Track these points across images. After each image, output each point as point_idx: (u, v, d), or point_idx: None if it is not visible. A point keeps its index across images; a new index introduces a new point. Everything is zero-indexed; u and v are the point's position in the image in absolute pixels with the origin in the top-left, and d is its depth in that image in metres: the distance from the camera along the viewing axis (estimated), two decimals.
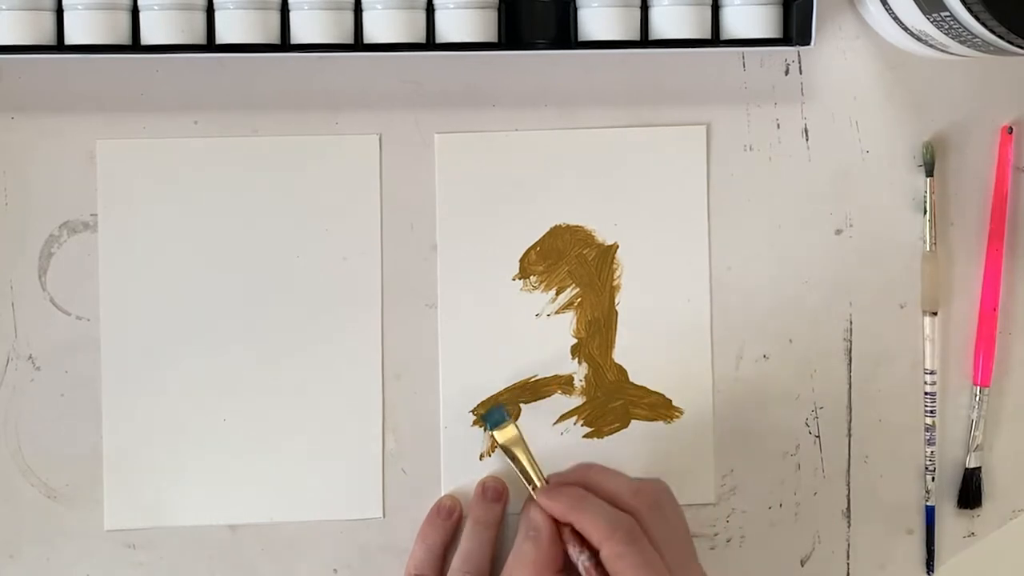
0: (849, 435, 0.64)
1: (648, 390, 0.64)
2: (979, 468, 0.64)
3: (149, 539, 0.62)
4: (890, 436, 0.64)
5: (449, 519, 0.62)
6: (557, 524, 0.57)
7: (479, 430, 0.63)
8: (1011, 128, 0.64)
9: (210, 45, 0.59)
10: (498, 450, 0.63)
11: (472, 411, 0.63)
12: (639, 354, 0.63)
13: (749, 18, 0.60)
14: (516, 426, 0.60)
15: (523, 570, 0.56)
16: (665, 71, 0.63)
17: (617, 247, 0.63)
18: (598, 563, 0.55)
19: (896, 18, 0.59)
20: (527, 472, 0.59)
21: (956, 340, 0.64)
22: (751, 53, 0.63)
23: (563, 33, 0.60)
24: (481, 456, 0.63)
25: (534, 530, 0.57)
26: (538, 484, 0.59)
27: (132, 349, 0.62)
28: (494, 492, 0.62)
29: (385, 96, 0.62)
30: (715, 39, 0.60)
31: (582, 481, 0.58)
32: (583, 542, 0.55)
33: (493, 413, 0.62)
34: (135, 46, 0.58)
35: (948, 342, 0.64)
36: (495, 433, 0.60)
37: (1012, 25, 0.52)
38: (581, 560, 0.55)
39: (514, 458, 0.60)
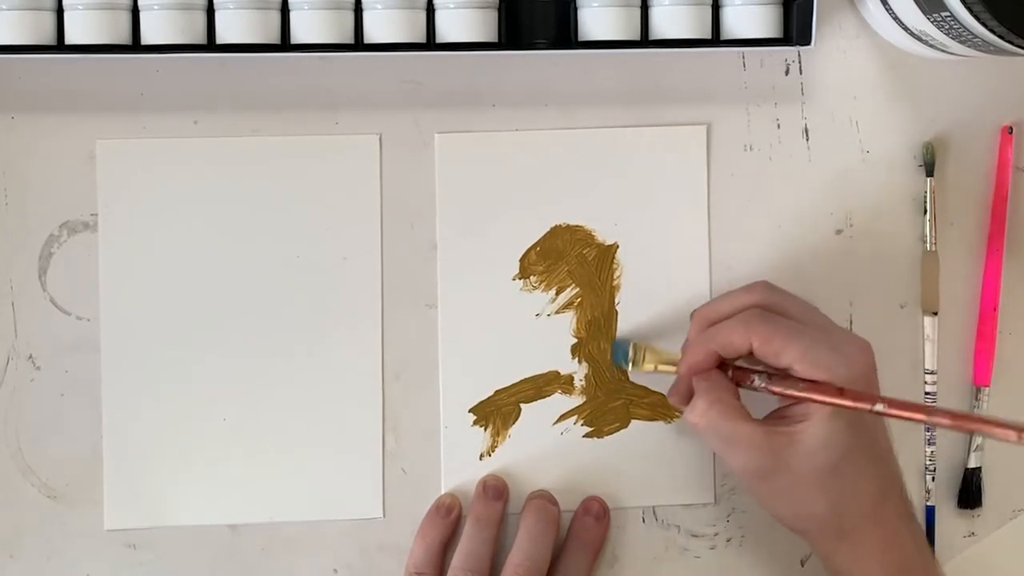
0: None
1: (648, 390, 0.63)
2: (979, 468, 0.64)
3: (149, 539, 0.62)
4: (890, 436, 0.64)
5: (449, 517, 0.62)
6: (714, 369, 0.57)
7: (479, 429, 0.63)
8: (1011, 128, 0.64)
9: (210, 45, 0.59)
10: (499, 449, 0.63)
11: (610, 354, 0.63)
12: None
13: (749, 18, 0.60)
14: (641, 351, 0.60)
15: (703, 398, 0.56)
16: (665, 71, 0.63)
17: (617, 247, 0.63)
18: (770, 377, 0.56)
19: (896, 18, 0.59)
20: (671, 364, 0.60)
21: (956, 340, 0.64)
22: (751, 53, 0.63)
23: (563, 33, 0.60)
24: (481, 456, 0.63)
25: (705, 380, 0.56)
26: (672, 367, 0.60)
27: (132, 349, 0.62)
28: (494, 490, 0.62)
29: (385, 96, 0.62)
30: (715, 39, 0.60)
31: (701, 327, 0.58)
32: (744, 370, 0.57)
33: (617, 351, 0.62)
34: (135, 46, 0.58)
35: (948, 342, 0.64)
36: (632, 369, 0.61)
37: (1012, 25, 0.52)
38: (756, 382, 0.56)
39: (658, 364, 0.60)
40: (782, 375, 0.56)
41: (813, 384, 0.54)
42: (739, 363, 0.58)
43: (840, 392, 0.54)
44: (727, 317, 0.57)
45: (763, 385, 0.56)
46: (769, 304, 0.57)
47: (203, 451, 0.62)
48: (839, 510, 0.55)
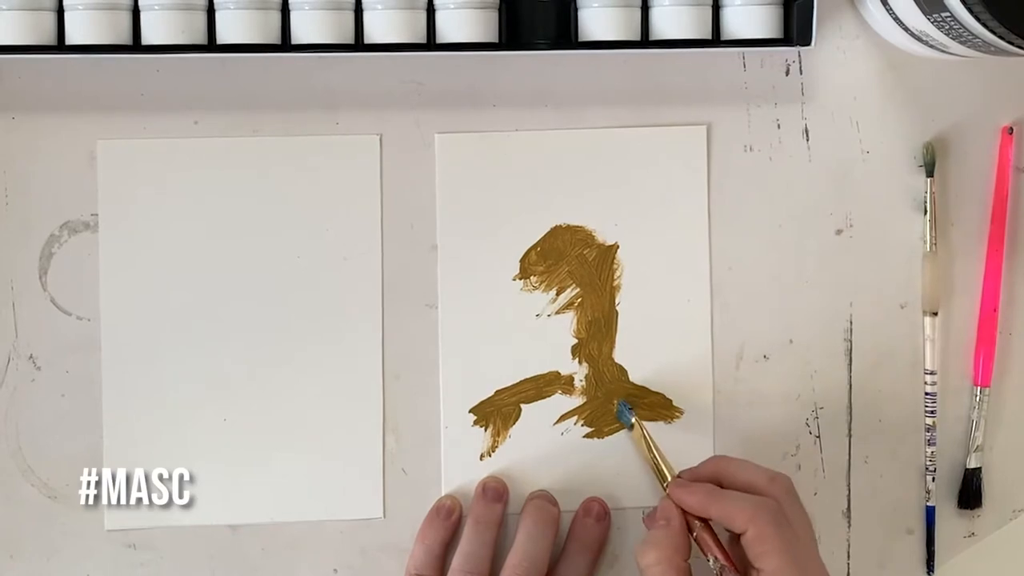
0: (849, 435, 0.64)
1: (648, 390, 0.64)
2: (979, 468, 0.64)
3: (149, 539, 0.62)
4: (890, 436, 0.64)
5: (449, 519, 0.62)
6: (687, 521, 0.57)
7: (479, 430, 0.63)
8: (1011, 128, 0.64)
9: (210, 45, 0.59)
10: (500, 449, 0.63)
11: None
12: (639, 354, 0.63)
13: (749, 18, 0.60)
14: (640, 424, 0.61)
15: (655, 552, 0.55)
16: (665, 71, 0.63)
17: (617, 247, 0.63)
18: (726, 564, 0.55)
19: (896, 18, 0.59)
20: (658, 466, 0.60)
21: (956, 340, 0.64)
22: (751, 53, 0.63)
23: (563, 33, 0.60)
24: (481, 456, 0.63)
25: (664, 519, 0.57)
26: (668, 477, 0.59)
27: (132, 349, 0.62)
28: (494, 492, 0.62)
29: (385, 96, 0.62)
30: (715, 39, 0.60)
31: (716, 472, 0.58)
32: (715, 542, 0.56)
33: (620, 415, 0.62)
34: (135, 46, 0.58)
35: (948, 342, 0.64)
36: (633, 424, 0.61)
37: (1012, 25, 0.52)
38: (711, 564, 0.56)
39: (644, 453, 0.61)
40: (739, 570, 0.55)
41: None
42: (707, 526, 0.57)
43: None
44: (742, 486, 0.57)
45: (715, 571, 0.56)
46: (783, 507, 0.56)
47: (203, 451, 0.62)
48: None
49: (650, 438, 0.60)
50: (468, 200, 0.63)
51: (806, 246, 0.64)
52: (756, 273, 0.64)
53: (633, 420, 0.61)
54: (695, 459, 0.63)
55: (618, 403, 0.63)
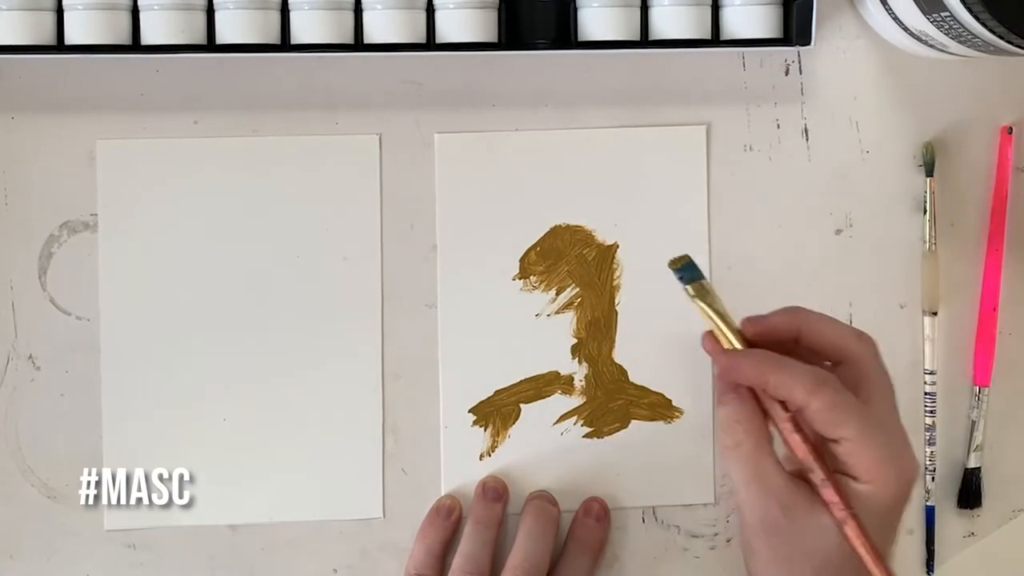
0: None
1: (648, 390, 0.63)
2: (979, 468, 0.64)
3: (149, 539, 0.62)
4: None
5: (449, 519, 0.62)
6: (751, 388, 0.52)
7: (479, 430, 0.63)
8: (1011, 128, 0.64)
9: (210, 45, 0.59)
10: (499, 449, 0.63)
11: (669, 264, 0.54)
12: (639, 354, 0.63)
13: (749, 18, 0.60)
14: (711, 296, 0.54)
15: (733, 432, 0.51)
16: (665, 71, 0.63)
17: (617, 247, 0.63)
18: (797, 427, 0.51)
19: (896, 18, 0.59)
20: (721, 327, 0.54)
21: (956, 340, 0.64)
22: (751, 53, 0.63)
23: (563, 33, 0.60)
24: (481, 456, 0.63)
25: (731, 391, 0.52)
26: (732, 339, 0.53)
27: (132, 349, 0.62)
28: (494, 492, 0.62)
29: (385, 96, 0.62)
30: (715, 39, 0.60)
31: (793, 326, 0.53)
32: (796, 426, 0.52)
33: (689, 268, 0.54)
34: (135, 46, 0.58)
35: (948, 342, 0.64)
36: (690, 287, 0.54)
37: (1012, 25, 0.52)
38: (782, 424, 0.52)
39: (710, 312, 0.54)
40: (818, 445, 0.51)
41: (836, 484, 0.51)
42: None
43: (855, 520, 0.51)
44: (826, 344, 0.53)
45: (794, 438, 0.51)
46: (868, 367, 0.53)
47: (203, 451, 0.62)
48: None
49: (715, 301, 0.54)
50: (468, 200, 0.63)
51: (806, 246, 0.64)
52: (756, 273, 0.64)
53: (701, 285, 0.54)
54: (695, 460, 0.63)
55: (687, 263, 0.54)
